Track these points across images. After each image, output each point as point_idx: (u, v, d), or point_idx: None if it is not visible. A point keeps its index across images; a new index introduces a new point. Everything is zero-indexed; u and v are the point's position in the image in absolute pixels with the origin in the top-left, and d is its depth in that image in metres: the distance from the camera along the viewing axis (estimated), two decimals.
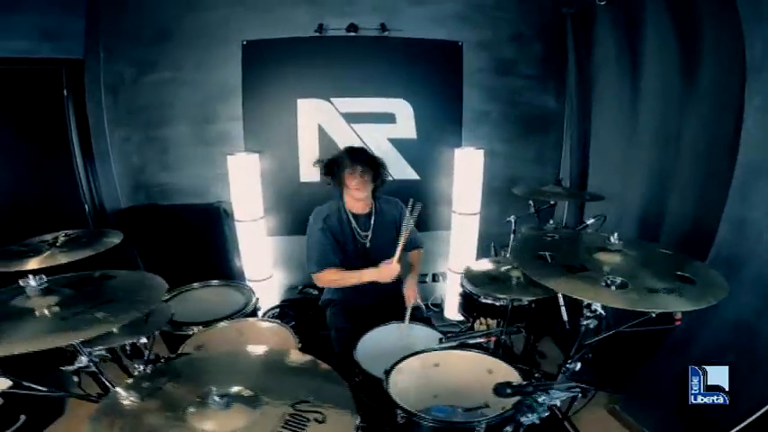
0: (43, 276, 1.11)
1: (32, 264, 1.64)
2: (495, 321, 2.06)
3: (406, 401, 1.13)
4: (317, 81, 2.79)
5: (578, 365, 1.41)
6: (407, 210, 1.88)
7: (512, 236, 2.61)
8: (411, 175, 2.99)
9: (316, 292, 3.05)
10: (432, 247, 3.13)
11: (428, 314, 2.24)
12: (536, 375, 1.35)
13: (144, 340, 1.51)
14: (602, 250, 1.27)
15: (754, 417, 1.49)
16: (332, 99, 2.82)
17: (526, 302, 1.95)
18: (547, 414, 0.96)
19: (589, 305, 1.31)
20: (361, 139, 2.86)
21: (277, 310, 2.95)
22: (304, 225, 2.91)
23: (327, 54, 2.75)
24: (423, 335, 1.77)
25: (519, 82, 3.03)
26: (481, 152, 2.85)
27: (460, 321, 2.94)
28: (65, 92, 2.53)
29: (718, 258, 1.76)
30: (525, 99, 3.07)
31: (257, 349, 1.26)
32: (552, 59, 2.98)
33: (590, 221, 2.00)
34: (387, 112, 2.88)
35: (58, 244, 1.80)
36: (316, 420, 0.88)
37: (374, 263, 1.98)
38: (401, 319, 1.84)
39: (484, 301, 2.09)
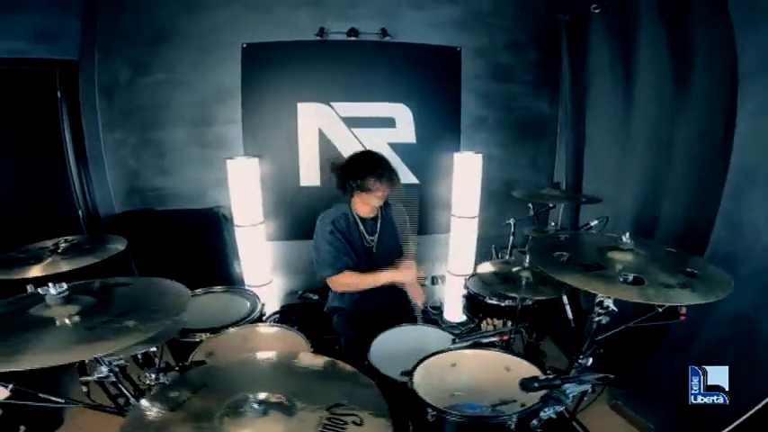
0: (63, 284, 1.07)
1: (34, 271, 1.59)
2: (501, 322, 2.09)
3: (432, 401, 1.14)
4: (317, 85, 2.79)
5: (590, 360, 1.44)
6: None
7: (511, 238, 2.66)
8: (410, 179, 3.02)
9: (316, 297, 3.04)
10: (431, 250, 3.16)
11: (434, 316, 2.27)
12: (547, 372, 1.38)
13: (154, 348, 1.48)
14: (614, 249, 1.31)
15: (754, 410, 1.54)
16: (332, 103, 2.83)
17: (530, 303, 2.00)
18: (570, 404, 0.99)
19: (601, 302, 1.35)
20: (361, 143, 2.87)
21: (277, 315, 2.92)
22: (304, 230, 2.96)
23: (328, 58, 2.76)
24: (434, 336, 1.78)
25: (515, 88, 3.10)
26: (480, 156, 2.90)
27: (461, 323, 2.97)
28: (58, 93, 2.47)
29: (714, 256, 1.83)
30: (520, 105, 3.15)
31: (276, 354, 1.24)
32: (547, 66, 3.06)
33: (593, 223, 2.06)
34: (387, 116, 2.90)
35: (59, 251, 1.75)
36: (354, 423, 0.88)
37: (379, 266, 2.00)
38: (405, 323, 1.84)
39: (489, 301, 2.12)
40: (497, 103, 3.10)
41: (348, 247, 1.96)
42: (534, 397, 1.09)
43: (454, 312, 3.05)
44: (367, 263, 2.02)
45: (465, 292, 2.33)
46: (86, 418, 1.99)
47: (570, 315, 2.03)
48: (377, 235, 2.05)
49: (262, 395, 0.96)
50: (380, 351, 1.65)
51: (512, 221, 2.62)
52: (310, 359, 1.22)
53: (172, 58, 2.71)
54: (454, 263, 3.09)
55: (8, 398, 1.15)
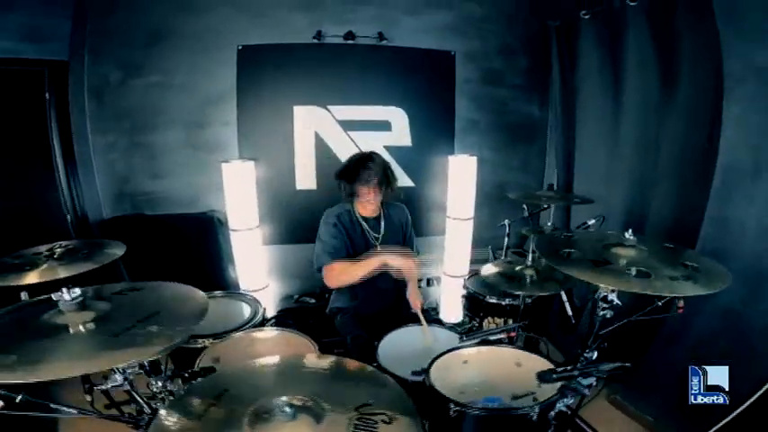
0: (77, 289, 1.04)
1: (31, 277, 1.54)
2: (503, 320, 2.13)
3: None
4: (314, 88, 2.80)
5: (595, 354, 1.48)
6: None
7: (506, 239, 2.71)
8: (406, 182, 3.04)
9: (313, 301, 3.02)
10: (426, 252, 3.18)
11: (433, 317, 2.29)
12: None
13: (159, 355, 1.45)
14: (618, 246, 1.36)
15: (749, 401, 1.60)
16: (329, 106, 2.84)
17: (529, 301, 2.05)
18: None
19: (605, 296, 1.40)
20: (357, 146, 2.89)
21: (274, 320, 2.88)
22: (300, 233, 2.95)
23: (325, 61, 2.78)
24: (440, 336, 1.80)
25: (506, 92, 3.18)
26: (475, 159, 2.95)
27: (457, 324, 3.00)
28: (47, 95, 2.40)
29: (704, 252, 1.91)
30: (512, 109, 3.22)
31: (291, 357, 1.24)
32: (537, 71, 3.15)
33: (591, 222, 2.13)
34: (383, 119, 2.93)
35: (55, 256, 1.69)
36: (383, 422, 0.88)
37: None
38: (409, 323, 1.86)
39: (490, 300, 2.16)
40: (489, 107, 3.17)
41: (349, 243, 1.97)
42: (548, 389, 1.12)
43: (451, 313, 3.08)
44: None
45: (464, 292, 2.36)
46: (83, 427, 1.92)
47: (570, 311, 2.08)
48: (380, 234, 2.06)
49: (285, 399, 0.95)
50: (388, 352, 1.66)
51: (506, 223, 2.67)
52: (326, 361, 1.22)
53: (165, 59, 2.67)
54: (450, 264, 3.12)
55: (2, 407, 1.11)
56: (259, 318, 1.97)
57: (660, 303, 1.43)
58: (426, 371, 1.30)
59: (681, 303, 1.41)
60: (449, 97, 3.01)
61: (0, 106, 2.29)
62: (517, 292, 1.82)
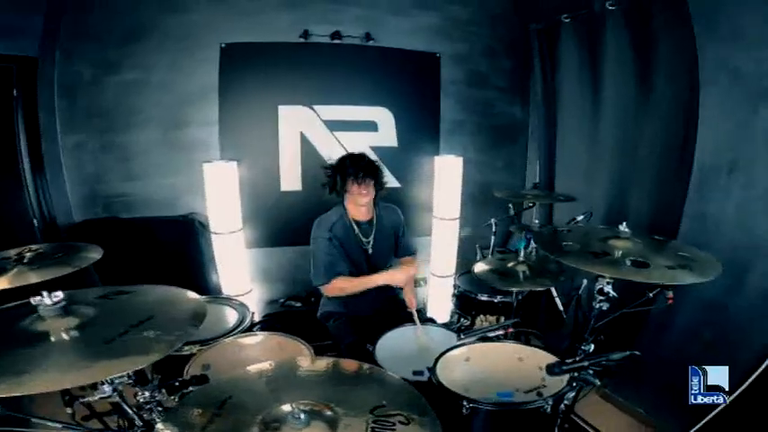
0: (59, 293, 0.96)
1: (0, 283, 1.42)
2: (495, 318, 2.13)
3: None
4: (299, 88, 2.75)
5: (592, 347, 1.50)
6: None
7: (492, 237, 2.73)
8: (392, 182, 3.02)
9: (299, 305, 2.95)
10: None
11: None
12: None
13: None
14: (614, 238, 1.39)
15: (738, 391, 1.64)
16: (314, 106, 2.79)
17: (520, 298, 2.07)
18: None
19: (601, 289, 1.42)
20: (343, 146, 2.85)
21: (259, 325, 2.79)
22: (285, 236, 2.88)
23: (310, 61, 2.73)
24: (435, 334, 1.79)
25: (490, 93, 3.23)
26: (461, 159, 2.97)
27: (444, 324, 2.99)
28: (14, 92, 2.24)
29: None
30: (495, 110, 3.28)
31: (293, 362, 1.19)
32: (519, 73, 3.23)
33: (579, 218, 2.18)
34: (369, 120, 2.91)
35: (25, 261, 1.57)
36: (401, 423, 0.85)
37: (375, 268, 2.01)
38: (403, 324, 1.84)
39: (481, 298, 2.17)
40: (474, 108, 3.21)
41: (344, 254, 1.94)
42: (556, 382, 1.12)
43: (439, 313, 3.07)
44: (364, 264, 2.02)
45: (455, 291, 2.36)
46: None
47: (561, 307, 2.11)
48: (372, 237, 2.03)
49: (294, 405, 0.90)
50: (386, 353, 1.63)
51: (493, 221, 2.70)
52: (325, 364, 1.18)
53: (143, 57, 2.56)
54: (437, 264, 3.12)
55: None
56: (248, 322, 1.90)
57: (651, 295, 1.47)
58: (432, 369, 1.28)
59: (670, 294, 1.45)
60: (434, 98, 3.03)
61: None
62: (512, 289, 1.82)
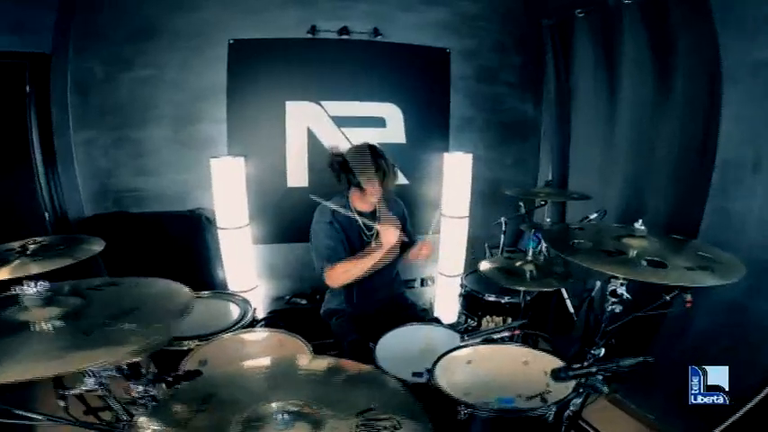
0: (45, 282, 0.95)
1: (1, 274, 1.42)
2: (501, 318, 2.07)
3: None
4: (306, 83, 2.73)
5: (602, 351, 1.43)
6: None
7: (502, 237, 2.66)
8: (400, 179, 2.98)
9: (304, 302, 2.93)
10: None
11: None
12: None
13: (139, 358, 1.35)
14: (629, 236, 1.32)
15: (756, 399, 1.57)
16: (322, 102, 2.77)
17: (528, 299, 1.99)
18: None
19: (614, 290, 1.35)
20: (350, 142, 2.80)
21: (263, 322, 2.78)
22: (291, 232, 2.86)
23: (318, 56, 2.71)
24: (439, 335, 1.73)
25: (500, 90, 3.16)
26: (470, 156, 2.91)
27: (451, 324, 2.93)
28: (27, 88, 2.28)
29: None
30: (506, 107, 3.20)
31: (284, 360, 1.16)
32: (530, 69, 3.14)
33: (592, 216, 2.10)
34: (377, 116, 2.87)
35: (28, 252, 1.58)
36: (390, 428, 0.81)
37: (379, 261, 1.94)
38: (407, 323, 1.78)
39: (488, 299, 2.10)
40: (484, 105, 3.14)
41: (346, 240, 1.90)
42: (561, 388, 1.06)
43: (446, 313, 3.01)
44: None
45: (462, 290, 2.30)
46: None
47: (572, 309, 2.03)
48: (375, 229, 1.99)
49: (279, 404, 0.87)
50: (386, 353, 1.59)
51: (503, 220, 2.63)
52: (321, 362, 1.14)
53: (153, 53, 2.57)
54: (445, 263, 3.06)
55: None
56: (249, 318, 1.88)
57: (668, 298, 1.39)
58: (431, 371, 1.23)
59: (689, 297, 1.37)
60: (444, 94, 2.98)
61: None
62: (518, 288, 1.76)
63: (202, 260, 2.73)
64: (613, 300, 1.35)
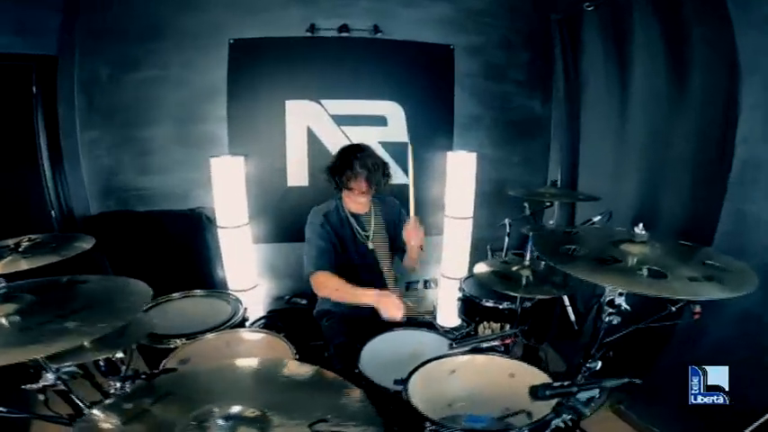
0: (1, 279, 0.95)
1: None
2: (499, 325, 1.99)
3: (429, 413, 1.02)
4: (306, 82, 2.71)
5: (599, 365, 1.34)
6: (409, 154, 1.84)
7: (506, 238, 2.57)
8: (402, 179, 2.92)
9: (304, 302, 2.90)
10: (423, 252, 3.05)
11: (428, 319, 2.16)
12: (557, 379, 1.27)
13: (120, 355, 1.34)
14: (628, 242, 1.22)
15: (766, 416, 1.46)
16: (322, 101, 2.74)
17: (528, 305, 1.90)
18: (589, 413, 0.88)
19: (612, 300, 1.26)
20: (351, 141, 2.77)
21: (263, 321, 2.77)
22: (291, 232, 2.84)
23: (318, 55, 2.68)
24: (430, 341, 1.67)
25: (507, 87, 3.06)
26: (474, 155, 2.83)
27: (454, 328, 2.86)
28: (34, 89, 2.33)
29: (720, 250, 1.76)
30: (513, 104, 3.10)
31: (254, 362, 1.12)
32: (538, 66, 3.03)
33: (596, 218, 1.98)
34: (378, 114, 2.82)
35: (20, 249, 1.60)
36: None
37: (376, 264, 1.94)
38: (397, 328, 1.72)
39: (486, 304, 2.02)
40: (490, 102, 3.04)
41: (338, 242, 1.87)
42: (544, 405, 0.98)
43: (449, 317, 2.93)
44: (364, 259, 1.95)
45: (460, 294, 2.23)
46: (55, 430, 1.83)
47: (573, 317, 1.93)
48: (370, 231, 1.96)
49: (234, 408, 0.83)
50: (372, 357, 1.53)
51: (507, 222, 2.53)
52: (294, 368, 1.09)
53: (158, 54, 2.61)
54: (448, 265, 2.99)
55: None
56: (238, 318, 1.87)
57: (674, 309, 1.29)
58: (405, 381, 1.17)
59: (698, 308, 1.27)
60: (448, 92, 2.90)
61: None
62: (511, 294, 1.67)
63: (203, 259, 2.75)
64: (611, 310, 1.26)
